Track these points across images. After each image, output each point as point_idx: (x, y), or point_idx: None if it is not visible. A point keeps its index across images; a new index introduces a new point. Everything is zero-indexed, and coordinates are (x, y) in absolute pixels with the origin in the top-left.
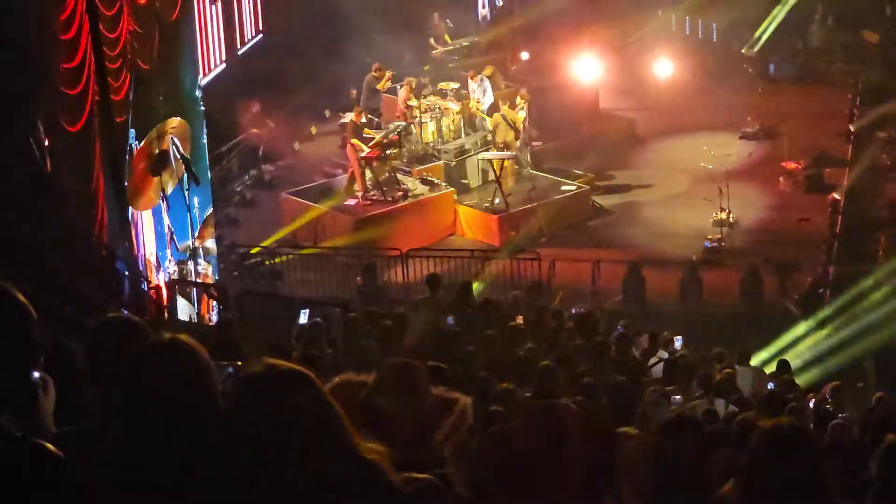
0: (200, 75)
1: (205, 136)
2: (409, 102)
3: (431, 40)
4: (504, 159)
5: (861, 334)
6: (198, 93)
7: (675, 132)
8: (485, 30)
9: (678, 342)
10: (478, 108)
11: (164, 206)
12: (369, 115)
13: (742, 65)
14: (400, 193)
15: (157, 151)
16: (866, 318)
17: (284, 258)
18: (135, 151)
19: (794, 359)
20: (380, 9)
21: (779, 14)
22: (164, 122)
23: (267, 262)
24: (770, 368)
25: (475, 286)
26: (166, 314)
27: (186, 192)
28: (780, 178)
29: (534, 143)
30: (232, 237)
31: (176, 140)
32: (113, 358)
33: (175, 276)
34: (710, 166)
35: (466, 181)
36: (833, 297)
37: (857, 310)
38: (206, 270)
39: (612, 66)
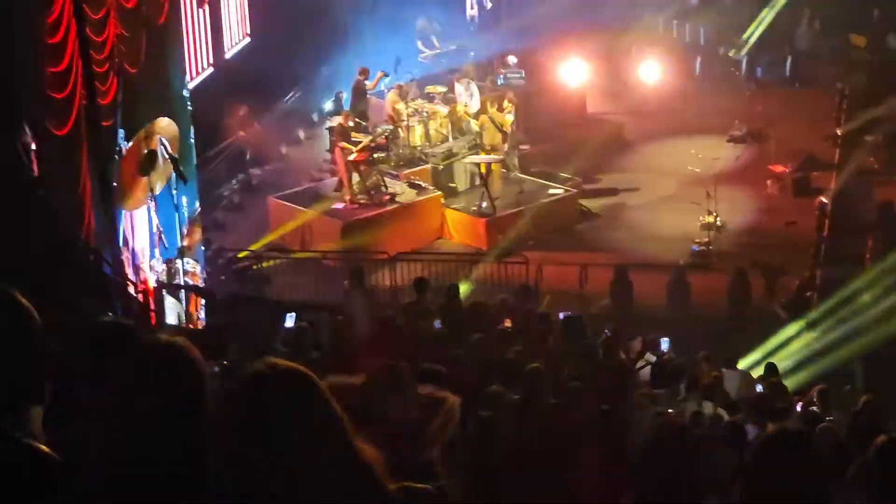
0: (188, 78)
1: (192, 137)
2: (397, 106)
3: (419, 43)
4: (491, 163)
5: (848, 337)
6: (185, 93)
7: (662, 136)
8: (473, 34)
9: (664, 344)
10: (465, 112)
11: (152, 205)
12: (357, 119)
13: (729, 68)
14: (387, 197)
15: (146, 151)
16: (854, 321)
17: (272, 262)
18: (123, 151)
19: (782, 362)
20: (367, 12)
21: (766, 17)
22: (152, 122)
23: (255, 267)
24: (757, 372)
25: (465, 287)
26: (154, 318)
27: (174, 192)
28: (768, 182)
29: (521, 147)
30: (220, 241)
31: (164, 140)
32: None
33: (163, 275)
34: (698, 170)
35: (454, 185)
36: (820, 301)
37: (844, 313)
38: (194, 269)
39: (600, 69)
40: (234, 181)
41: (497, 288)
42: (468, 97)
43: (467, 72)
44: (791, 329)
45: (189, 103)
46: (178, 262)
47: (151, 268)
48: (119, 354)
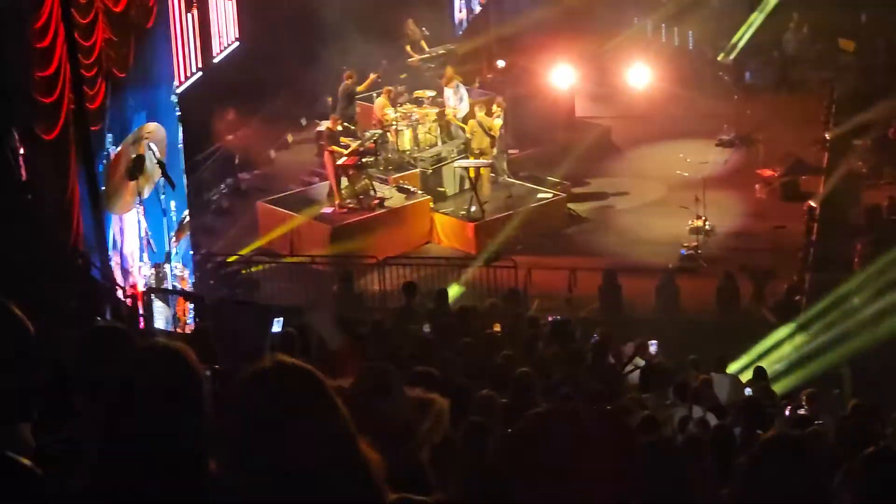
0: (176, 83)
1: (180, 143)
2: (386, 110)
3: (408, 48)
4: (480, 167)
5: (837, 341)
6: (173, 98)
7: (651, 140)
8: (461, 38)
9: (653, 346)
10: (454, 117)
11: (140, 210)
12: (345, 124)
13: (718, 72)
14: (376, 201)
15: (134, 156)
16: (842, 325)
17: (261, 267)
18: (112, 156)
19: (771, 366)
20: (356, 16)
21: (755, 22)
22: (140, 127)
23: (244, 272)
24: (746, 376)
25: (457, 289)
26: (142, 322)
27: (162, 197)
28: (756, 186)
29: (510, 151)
30: (208, 245)
31: (152, 145)
32: (100, 366)
33: (152, 280)
34: (687, 174)
35: (443, 189)
36: (809, 305)
37: (832, 317)
38: (182, 274)
39: (588, 73)
40: (222, 185)
41: (486, 292)
42: (457, 101)
43: (451, 75)
44: (780, 333)
45: (177, 108)
46: (167, 266)
47: (140, 272)
48: (115, 358)
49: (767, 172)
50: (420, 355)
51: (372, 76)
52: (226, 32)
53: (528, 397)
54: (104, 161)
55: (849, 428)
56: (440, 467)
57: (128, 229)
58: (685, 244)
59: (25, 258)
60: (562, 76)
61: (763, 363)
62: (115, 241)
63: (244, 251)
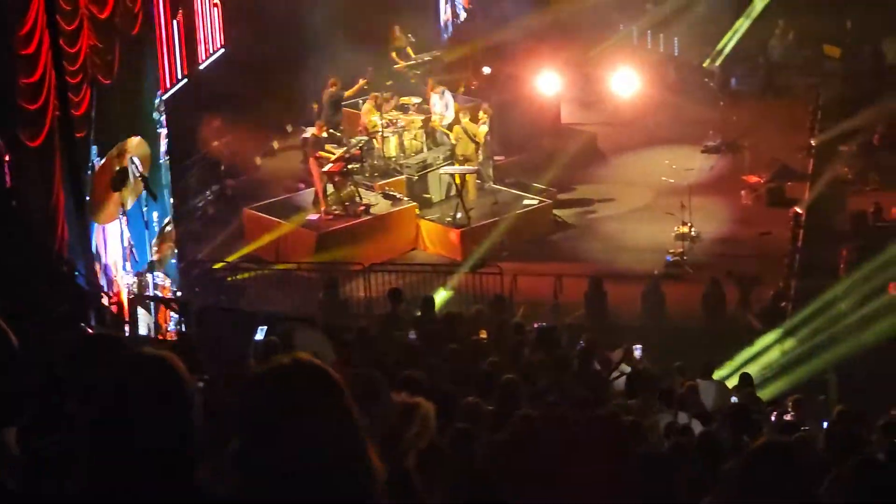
0: (161, 90)
1: (162, 157)
2: (372, 117)
3: (393, 54)
4: (466, 173)
5: (823, 347)
6: (156, 115)
7: (636, 146)
8: (447, 44)
9: (637, 351)
10: (439, 123)
11: (123, 220)
12: (331, 130)
13: (704, 79)
14: (362, 208)
15: (118, 168)
16: (828, 331)
17: (247, 274)
18: (96, 168)
19: (757, 372)
20: (342, 23)
21: (740, 28)
22: (124, 141)
23: (229, 279)
24: (732, 382)
25: (443, 296)
26: (128, 329)
27: (145, 209)
28: (742, 192)
29: (496, 158)
30: (194, 252)
31: (135, 159)
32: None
33: (134, 288)
34: (672, 180)
35: (428, 196)
36: (795, 311)
37: (818, 323)
38: (164, 283)
39: (574, 80)
40: (208, 192)
41: (472, 299)
42: (443, 108)
43: (434, 84)
44: (766, 339)
45: (163, 115)
46: (149, 275)
47: (122, 280)
48: (105, 366)
49: (753, 178)
50: (406, 362)
51: (361, 82)
52: (211, 39)
53: (514, 404)
54: (89, 172)
55: (835, 434)
56: (426, 473)
57: (111, 239)
58: (671, 250)
59: (14, 262)
60: (547, 83)
61: (749, 369)
62: (97, 250)
63: (231, 258)
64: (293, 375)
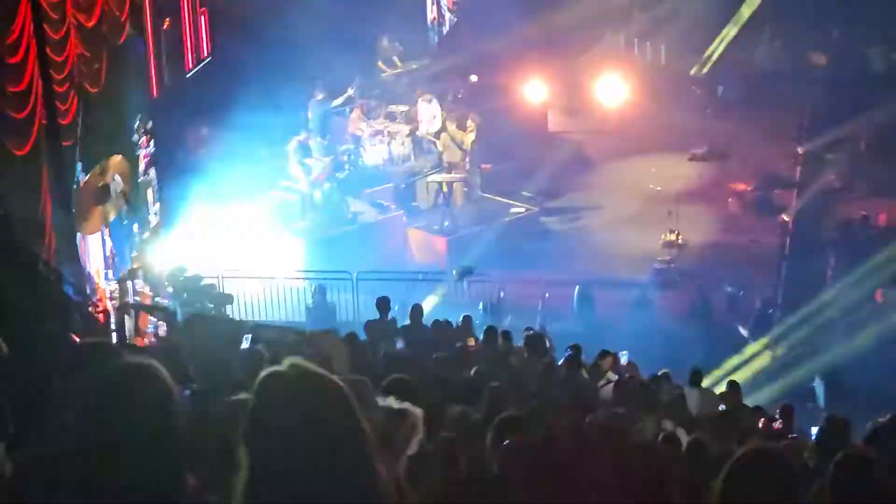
0: (146, 99)
1: (141, 176)
2: (360, 125)
3: (380, 63)
4: (453, 181)
5: (810, 355)
6: (136, 137)
7: (623, 154)
8: (434, 53)
9: (624, 357)
10: (426, 132)
11: (105, 231)
12: (318, 138)
13: (690, 87)
14: (350, 216)
15: (100, 185)
16: (816, 338)
17: (235, 281)
18: (81, 183)
19: (744, 379)
20: (329, 31)
21: (727, 36)
22: (107, 159)
23: (217, 286)
24: (720, 389)
25: (434, 300)
26: (115, 337)
27: (125, 223)
28: (729, 200)
29: (483, 166)
30: (182, 259)
31: (117, 176)
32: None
33: (116, 294)
34: (659, 188)
35: (416, 203)
36: (782, 319)
37: (806, 331)
38: (143, 290)
39: (561, 88)
40: None
41: (460, 306)
42: (430, 116)
43: (421, 92)
44: (753, 347)
45: (137, 147)
46: (129, 282)
47: (104, 288)
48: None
49: (740, 186)
50: (393, 370)
51: (350, 91)
52: (199, 47)
53: (501, 411)
54: (75, 186)
55: (822, 441)
56: (414, 479)
57: (93, 249)
58: (658, 258)
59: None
60: (534, 91)
61: (736, 376)
62: (86, 258)
63: (219, 265)
64: (292, 383)
